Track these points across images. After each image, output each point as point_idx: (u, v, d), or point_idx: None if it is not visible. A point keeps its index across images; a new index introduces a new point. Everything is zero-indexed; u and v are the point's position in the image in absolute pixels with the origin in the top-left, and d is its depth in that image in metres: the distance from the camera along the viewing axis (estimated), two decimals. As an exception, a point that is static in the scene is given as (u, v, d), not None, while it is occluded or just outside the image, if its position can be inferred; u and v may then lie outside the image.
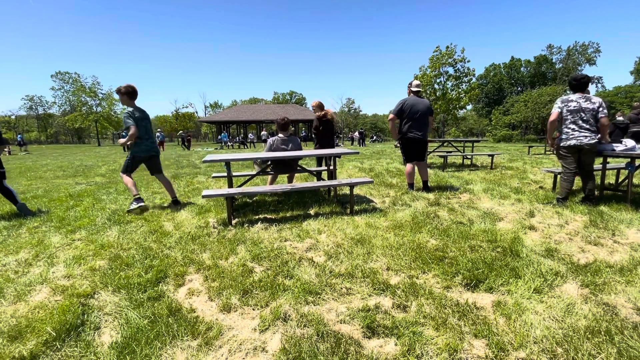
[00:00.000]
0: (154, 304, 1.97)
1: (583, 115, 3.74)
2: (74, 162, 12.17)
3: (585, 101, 3.76)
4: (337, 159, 5.73)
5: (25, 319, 1.85)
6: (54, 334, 1.68)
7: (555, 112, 3.88)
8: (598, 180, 4.30)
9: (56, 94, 50.18)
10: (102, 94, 42.54)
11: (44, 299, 2.08)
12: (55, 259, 2.69)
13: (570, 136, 3.80)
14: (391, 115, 4.87)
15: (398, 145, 5.02)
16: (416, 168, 5.00)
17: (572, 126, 3.79)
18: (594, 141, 3.73)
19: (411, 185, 5.04)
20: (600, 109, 3.72)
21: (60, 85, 49.02)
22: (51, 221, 3.77)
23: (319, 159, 5.78)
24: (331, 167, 4.64)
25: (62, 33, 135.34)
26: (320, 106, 5.45)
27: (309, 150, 5.12)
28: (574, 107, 3.77)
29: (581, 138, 3.75)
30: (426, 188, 4.95)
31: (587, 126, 3.73)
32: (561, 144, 3.89)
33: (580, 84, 3.84)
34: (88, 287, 2.19)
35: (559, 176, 4.46)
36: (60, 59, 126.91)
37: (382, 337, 1.65)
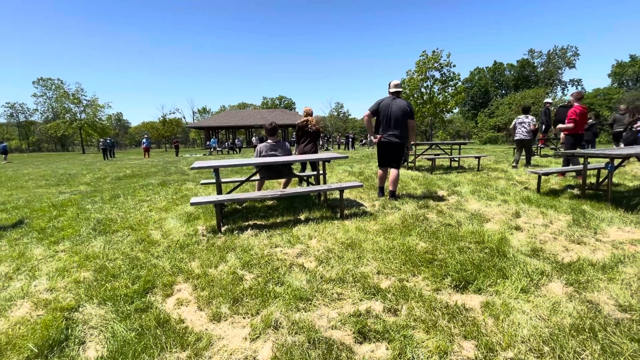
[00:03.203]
0: (142, 315, 1.93)
1: (524, 125, 7.94)
2: (58, 171, 11.85)
3: (525, 118, 7.96)
4: (326, 163, 5.73)
5: (5, 335, 1.78)
6: (36, 351, 1.62)
7: (513, 123, 8.18)
8: (579, 181, 4.48)
9: (38, 101, 49.02)
10: (86, 100, 41.71)
11: (26, 314, 2.01)
12: (37, 272, 2.61)
13: (516, 135, 8.07)
14: (367, 112, 4.53)
15: (368, 142, 4.83)
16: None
17: (518, 130, 8.03)
18: (528, 137, 7.92)
19: (381, 190, 4.76)
20: (532, 122, 7.87)
21: (42, 92, 47.90)
22: (33, 232, 3.66)
23: (303, 164, 5.83)
24: (315, 172, 4.63)
25: (45, 38, 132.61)
26: (305, 112, 5.49)
27: (299, 155, 5.12)
28: (520, 121, 8.01)
29: (521, 136, 7.99)
30: (392, 196, 4.53)
31: (525, 130, 7.92)
32: (514, 138, 8.20)
33: (526, 109, 8.15)
34: (72, 300, 2.13)
35: (542, 176, 4.85)
36: (43, 65, 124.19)
37: (374, 342, 1.65)
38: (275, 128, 4.65)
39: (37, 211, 4.75)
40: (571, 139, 6.12)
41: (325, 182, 4.62)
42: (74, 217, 4.28)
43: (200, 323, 1.88)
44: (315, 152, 5.44)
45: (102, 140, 23.47)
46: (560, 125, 6.30)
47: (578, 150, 5.56)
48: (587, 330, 1.65)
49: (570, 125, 6.04)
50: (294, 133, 5.81)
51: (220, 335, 1.76)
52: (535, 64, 56.35)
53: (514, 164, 8.12)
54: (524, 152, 8.23)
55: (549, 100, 10.73)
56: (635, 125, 7.93)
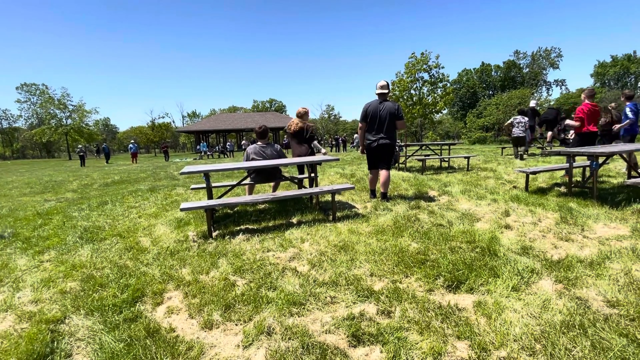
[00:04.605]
0: (131, 325, 1.88)
1: (520, 124, 9.23)
2: (43, 178, 11.56)
3: (522, 118, 9.31)
4: (317, 166, 5.69)
5: (-13, 351, 1.72)
6: (20, 366, 1.57)
7: (509, 122, 9.55)
8: (566, 179, 4.59)
9: (22, 107, 47.96)
10: (72, 105, 40.93)
11: (9, 327, 1.94)
12: (21, 283, 2.52)
13: (514, 132, 9.34)
14: (361, 124, 4.61)
15: (359, 150, 4.79)
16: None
17: (515, 128, 9.29)
18: (523, 135, 9.27)
19: (372, 193, 4.81)
20: (527, 123, 9.34)
21: (26, 98, 46.85)
22: (17, 242, 3.55)
23: (300, 167, 5.77)
24: (307, 175, 4.57)
25: (28, 41, 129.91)
26: (297, 115, 5.40)
27: (289, 158, 5.10)
28: (517, 121, 9.30)
29: (518, 133, 9.29)
30: (384, 198, 4.56)
31: (521, 129, 9.23)
32: (512, 135, 9.47)
33: (523, 112, 9.74)
34: (58, 311, 2.07)
35: (530, 175, 5.22)
36: (26, 70, 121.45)
37: (368, 345, 1.64)
38: (265, 131, 4.62)
39: (22, 220, 4.62)
40: (577, 137, 5.84)
41: (317, 185, 4.60)
42: (59, 226, 4.17)
43: (192, 331, 1.84)
44: (312, 153, 5.36)
45: (79, 147, 23.30)
46: (567, 121, 6.18)
47: (563, 149, 5.67)
48: (577, 326, 1.67)
49: (577, 123, 5.75)
50: (285, 136, 5.76)
51: (212, 343, 1.73)
52: (521, 65, 57.54)
53: (518, 155, 9.60)
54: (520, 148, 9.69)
55: (534, 101, 11.09)
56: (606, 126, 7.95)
